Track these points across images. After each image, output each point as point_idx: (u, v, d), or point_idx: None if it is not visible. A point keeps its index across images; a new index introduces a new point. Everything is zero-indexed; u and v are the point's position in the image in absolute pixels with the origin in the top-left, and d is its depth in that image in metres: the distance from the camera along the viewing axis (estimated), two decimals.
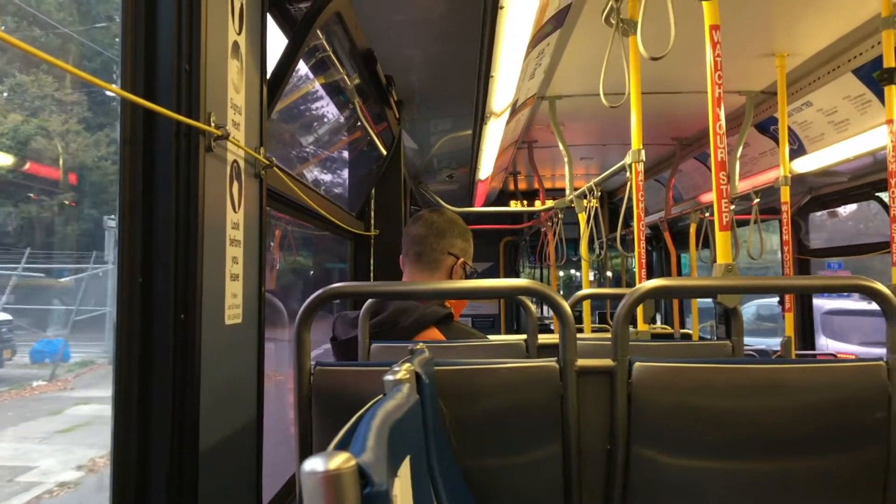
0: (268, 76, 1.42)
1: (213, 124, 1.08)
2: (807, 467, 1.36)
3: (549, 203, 4.94)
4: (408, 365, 1.07)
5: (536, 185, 5.87)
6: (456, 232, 2.35)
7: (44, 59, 0.74)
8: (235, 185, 1.22)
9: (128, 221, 1.02)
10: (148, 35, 1.04)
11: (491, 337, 2.38)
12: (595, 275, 7.13)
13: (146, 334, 1.03)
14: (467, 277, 2.36)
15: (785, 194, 3.33)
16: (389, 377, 0.98)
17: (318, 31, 1.84)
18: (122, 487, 1.02)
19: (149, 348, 1.03)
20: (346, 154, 2.98)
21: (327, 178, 2.90)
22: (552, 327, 6.00)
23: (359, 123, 2.72)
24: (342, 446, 0.64)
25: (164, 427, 1.03)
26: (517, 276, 8.19)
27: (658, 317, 6.87)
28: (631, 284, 6.57)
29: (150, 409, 1.03)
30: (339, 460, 0.54)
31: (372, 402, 0.84)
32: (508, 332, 7.11)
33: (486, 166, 4.12)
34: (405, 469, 0.76)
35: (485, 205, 6.28)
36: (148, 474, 1.03)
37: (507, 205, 6.74)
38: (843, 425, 1.35)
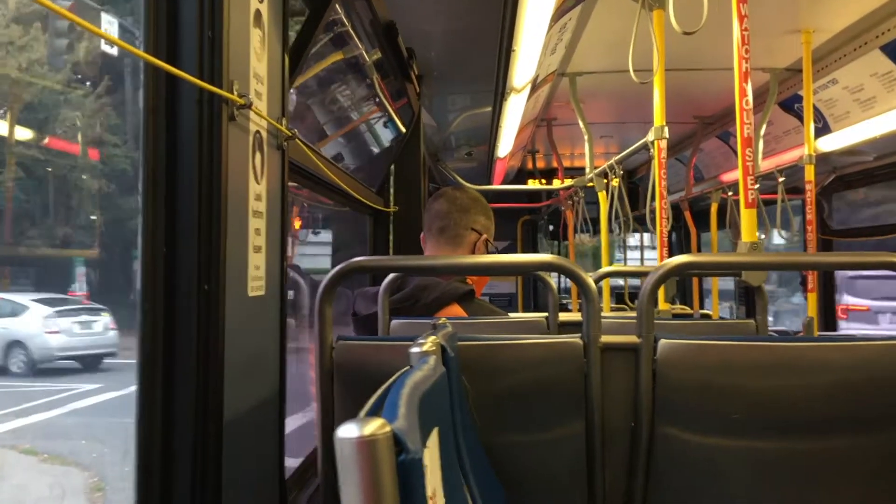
0: (289, 47, 1.40)
1: (235, 93, 1.07)
2: (833, 447, 1.34)
3: (569, 182, 4.91)
4: (433, 337, 1.06)
5: (555, 164, 5.83)
6: (479, 209, 2.35)
7: (69, 17, 0.73)
8: (258, 155, 1.20)
9: (151, 190, 1.01)
10: (170, 1, 1.03)
11: (510, 315, 2.38)
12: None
13: (170, 305, 1.03)
14: (488, 253, 2.36)
15: (809, 173, 3.29)
16: (416, 349, 0.97)
17: (338, 4, 1.82)
18: (147, 457, 1.02)
19: (172, 319, 1.03)
20: (365, 129, 2.96)
21: (347, 153, 2.88)
22: (569, 306, 5.97)
23: (378, 99, 2.70)
24: (372, 415, 0.63)
25: (188, 397, 1.03)
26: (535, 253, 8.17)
27: (676, 298, 6.84)
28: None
29: (174, 379, 1.03)
30: (375, 426, 0.53)
31: (398, 373, 0.83)
32: (526, 310, 7.10)
33: (506, 144, 4.09)
34: (433, 440, 0.75)
35: (503, 183, 6.25)
36: (172, 444, 1.03)
37: (526, 183, 6.70)
38: (871, 405, 1.33)
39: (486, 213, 2.38)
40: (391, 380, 0.78)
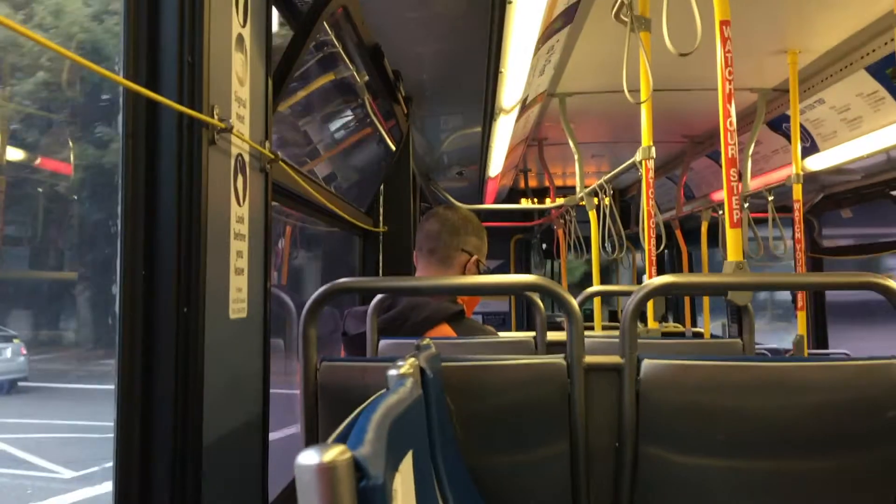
0: (273, 70, 1.41)
1: (216, 117, 1.08)
2: (818, 467, 1.34)
3: (560, 201, 4.93)
4: (412, 360, 1.06)
5: (547, 183, 5.85)
6: (470, 229, 2.36)
7: (45, 45, 0.74)
8: (240, 178, 1.21)
9: (130, 214, 1.01)
10: (151, 27, 1.04)
11: (501, 334, 2.38)
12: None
13: (149, 328, 1.03)
14: (479, 274, 2.36)
15: (797, 192, 3.31)
16: (393, 371, 0.97)
17: (326, 26, 1.84)
18: (125, 482, 1.01)
19: (152, 341, 1.03)
20: (355, 149, 2.97)
21: (336, 173, 2.90)
22: (563, 325, 5.98)
23: (368, 119, 2.72)
24: (341, 440, 0.63)
25: (167, 421, 1.03)
26: (528, 273, 8.18)
27: (670, 315, 6.84)
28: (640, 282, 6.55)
29: (152, 402, 1.03)
30: (334, 452, 0.53)
31: (374, 396, 0.84)
32: (519, 329, 7.10)
33: (496, 164, 4.10)
34: (407, 464, 0.75)
35: (495, 202, 6.27)
36: (151, 469, 1.03)
37: (518, 202, 6.72)
38: (855, 424, 1.34)
39: (477, 233, 2.38)
40: (365, 403, 0.78)
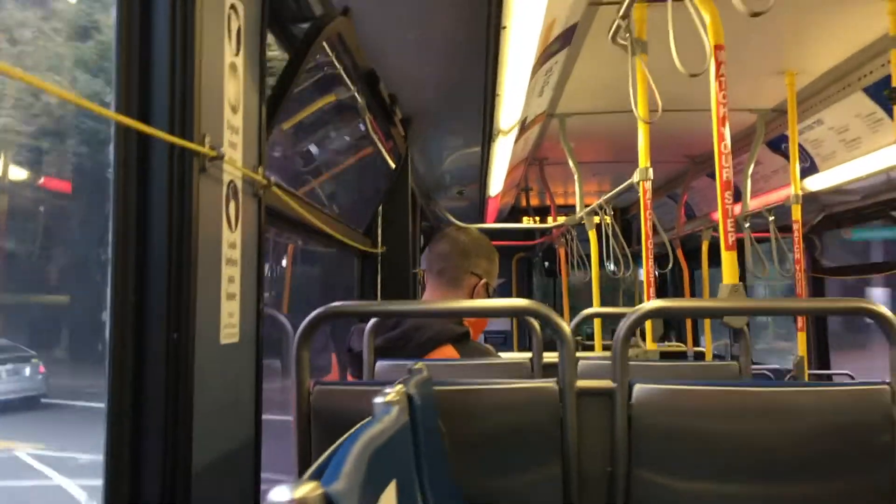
0: (268, 96, 1.43)
1: (207, 145, 1.09)
2: (810, 492, 1.34)
3: (561, 220, 4.94)
4: (399, 386, 1.07)
5: (548, 202, 5.86)
6: (481, 252, 2.37)
7: (34, 83, 0.75)
8: (232, 204, 1.22)
9: (121, 241, 1.02)
10: (142, 57, 1.05)
11: (503, 355, 2.38)
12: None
13: (139, 354, 1.04)
14: (489, 297, 2.37)
15: (796, 212, 3.31)
16: (379, 399, 0.98)
17: (324, 48, 1.85)
18: None
19: (142, 367, 1.04)
20: (351, 171, 2.99)
21: (334, 194, 2.91)
22: None
23: (365, 141, 2.73)
24: (318, 474, 0.64)
25: (157, 447, 1.03)
26: (531, 292, 8.17)
27: (672, 334, 6.82)
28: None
29: (142, 428, 1.03)
30: (306, 489, 0.54)
31: (358, 425, 0.84)
32: (521, 348, 7.09)
33: (496, 183, 4.12)
34: (390, 494, 0.76)
35: (497, 221, 6.28)
36: (140, 495, 1.03)
37: (520, 221, 6.73)
38: (847, 449, 1.34)
39: (487, 255, 2.39)
40: (346, 434, 0.78)
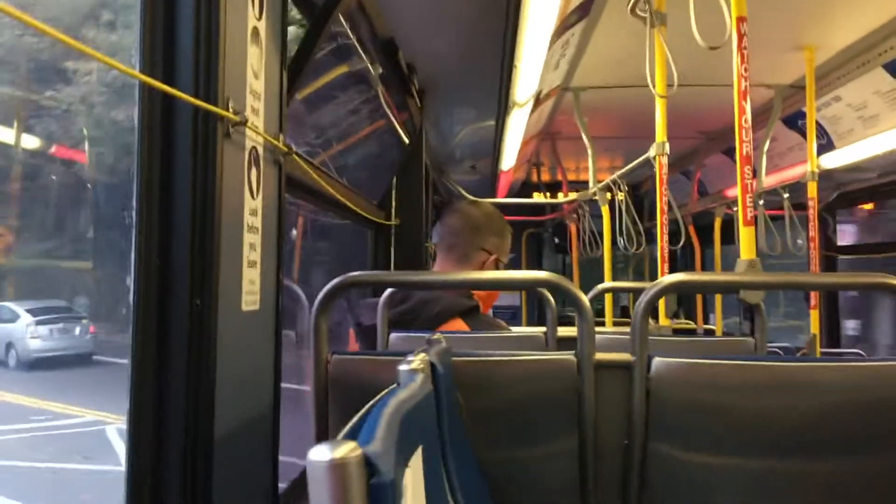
0: (288, 62, 1.42)
1: (231, 110, 1.08)
2: (828, 468, 1.34)
3: (572, 195, 4.91)
4: (423, 355, 1.07)
5: (560, 177, 5.83)
6: (492, 228, 2.34)
7: (58, 38, 0.74)
8: (254, 171, 1.22)
9: (146, 206, 1.02)
10: (167, 19, 1.04)
11: (514, 329, 2.38)
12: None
13: (163, 319, 1.04)
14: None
15: (812, 190, 3.29)
16: (404, 367, 0.97)
17: (340, 18, 1.83)
18: (137, 473, 1.02)
19: (165, 333, 1.04)
20: (368, 142, 2.98)
21: (349, 165, 2.90)
22: (574, 320, 5.96)
23: (381, 112, 2.72)
24: (352, 436, 0.64)
25: (180, 411, 1.04)
26: (540, 268, 8.16)
27: (681, 311, 6.82)
28: (654, 278, 6.51)
29: (165, 393, 1.04)
30: (346, 449, 0.54)
31: (385, 391, 0.84)
32: (530, 324, 7.09)
33: (509, 157, 4.10)
34: (417, 460, 0.76)
35: (507, 196, 6.26)
36: (163, 459, 1.04)
37: (530, 196, 6.70)
38: (867, 426, 1.33)
39: (499, 232, 2.36)
40: (375, 399, 0.78)
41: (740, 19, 2.00)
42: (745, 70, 2.01)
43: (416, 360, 1.00)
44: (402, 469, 0.64)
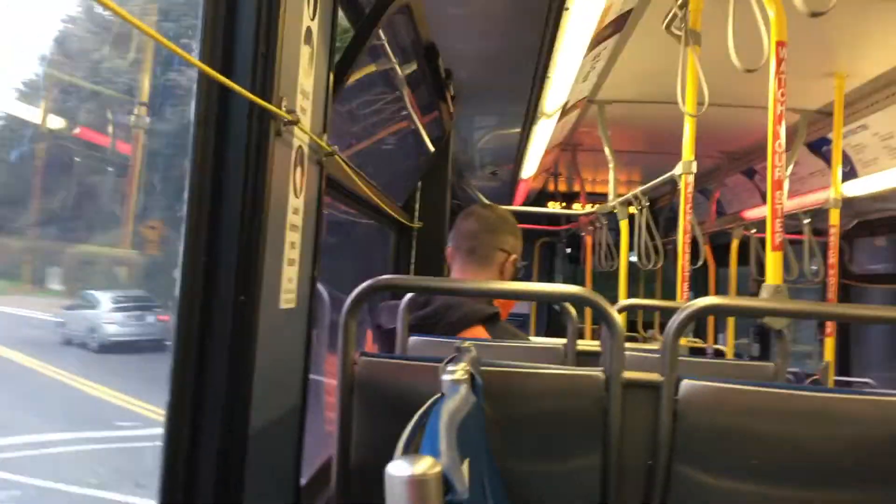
0: (334, 64, 1.42)
1: (284, 108, 1.08)
2: (851, 499, 1.33)
3: (590, 207, 4.91)
4: (464, 364, 1.06)
5: (576, 188, 5.83)
6: (508, 228, 2.36)
7: (126, 18, 0.74)
8: (299, 170, 1.22)
9: (196, 201, 1.02)
10: (228, 15, 1.04)
11: (532, 339, 2.38)
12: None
13: (206, 314, 1.04)
14: (516, 272, 2.36)
15: (835, 216, 3.28)
16: (447, 377, 0.97)
17: (384, 24, 1.84)
18: (173, 459, 1.02)
19: (208, 327, 1.04)
20: (395, 144, 2.98)
21: (378, 166, 2.91)
22: (582, 332, 5.96)
23: (411, 114, 2.72)
24: (407, 446, 0.64)
25: (218, 404, 1.04)
26: (551, 278, 8.15)
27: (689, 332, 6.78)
28: (668, 297, 6.49)
29: (205, 386, 1.04)
30: (425, 465, 0.53)
31: (431, 401, 0.84)
32: (538, 332, 7.08)
33: (531, 166, 4.10)
34: (464, 471, 0.76)
35: (524, 204, 6.26)
36: (198, 449, 1.04)
37: (545, 205, 6.70)
38: (893, 460, 1.32)
39: (514, 232, 2.38)
40: (423, 409, 0.78)
41: (780, 44, 1.99)
42: (783, 95, 2.01)
43: (459, 371, 1.00)
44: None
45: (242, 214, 1.04)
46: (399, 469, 0.53)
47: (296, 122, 1.12)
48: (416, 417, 0.74)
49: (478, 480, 0.91)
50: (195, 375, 1.03)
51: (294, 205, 1.21)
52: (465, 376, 0.99)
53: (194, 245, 1.02)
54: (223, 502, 1.04)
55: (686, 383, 1.38)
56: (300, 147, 1.22)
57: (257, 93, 1.03)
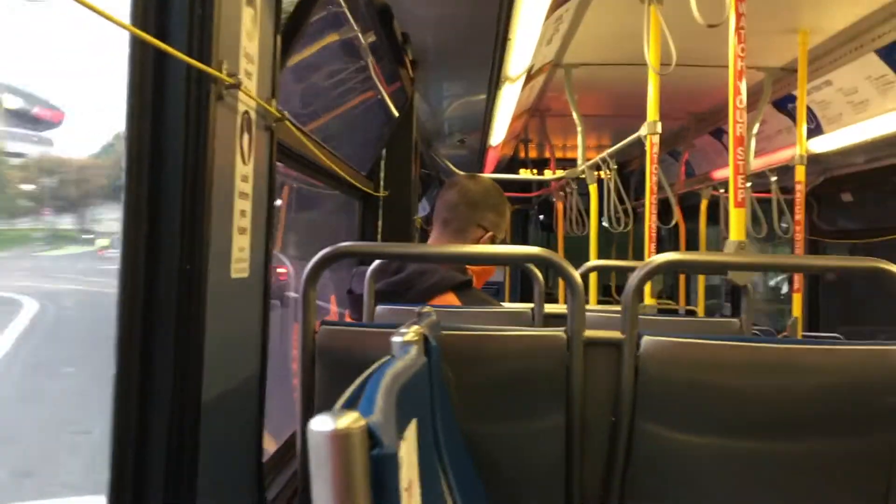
0: (282, 27, 1.38)
1: (224, 72, 1.05)
2: (814, 449, 1.34)
3: (560, 173, 4.90)
4: (416, 327, 1.05)
5: (547, 154, 5.81)
6: (489, 203, 2.31)
7: None
8: (246, 136, 1.19)
9: (135, 167, 0.99)
10: None
11: (504, 304, 2.37)
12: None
13: (151, 283, 1.01)
14: None
15: (800, 174, 3.29)
16: (398, 338, 0.96)
17: None
18: (122, 436, 1.00)
19: (154, 298, 1.02)
20: (356, 112, 2.95)
21: (338, 135, 2.87)
22: (556, 296, 5.99)
23: (372, 81, 2.68)
24: (348, 406, 0.62)
25: (166, 378, 1.02)
26: (526, 244, 8.15)
27: (662, 293, 6.85)
28: (637, 257, 6.52)
29: (152, 359, 1.02)
30: (349, 420, 0.52)
31: (379, 362, 0.83)
32: (513, 300, 7.11)
33: (499, 133, 4.08)
34: (411, 432, 0.75)
35: (495, 171, 6.24)
36: (148, 425, 1.02)
37: (517, 172, 6.68)
38: (855, 409, 1.33)
39: (496, 208, 2.33)
40: (371, 369, 0.77)
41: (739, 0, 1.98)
42: (742, 51, 2.00)
43: (411, 332, 0.99)
44: (398, 441, 0.62)
45: (184, 181, 1.01)
46: (322, 424, 0.52)
47: (238, 86, 1.09)
48: (359, 379, 0.73)
49: (429, 440, 0.90)
50: (141, 350, 1.01)
51: (242, 172, 1.19)
52: (416, 338, 0.98)
53: (135, 213, 1.00)
54: (176, 481, 1.03)
55: (647, 339, 1.38)
56: (246, 112, 1.19)
57: (195, 56, 1.00)
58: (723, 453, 1.36)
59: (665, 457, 1.38)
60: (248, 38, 1.18)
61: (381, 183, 3.19)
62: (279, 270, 3.89)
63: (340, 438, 0.52)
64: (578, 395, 1.39)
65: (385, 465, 0.54)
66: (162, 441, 1.02)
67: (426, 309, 1.34)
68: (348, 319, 2.20)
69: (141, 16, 0.98)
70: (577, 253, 4.62)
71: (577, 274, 1.41)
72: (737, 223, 1.98)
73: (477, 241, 2.29)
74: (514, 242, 7.51)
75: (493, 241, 2.31)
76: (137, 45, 0.99)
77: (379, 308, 2.02)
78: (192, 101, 1.01)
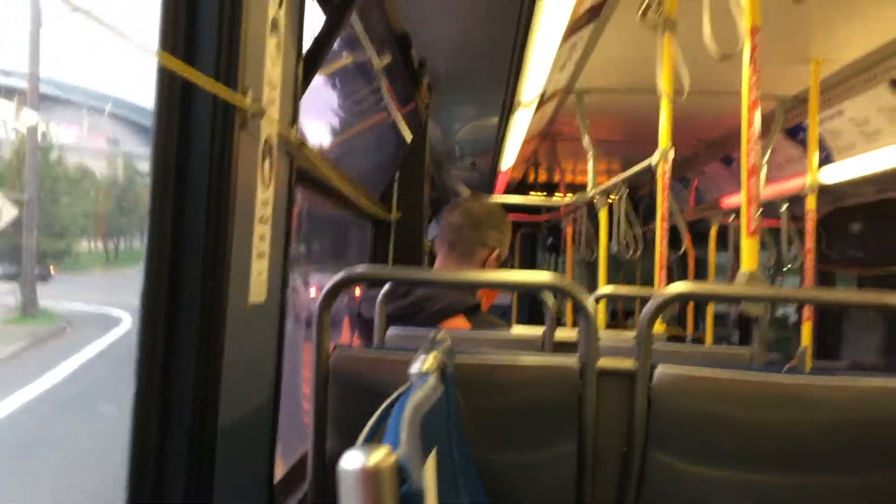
0: (304, 54, 1.40)
1: (249, 99, 1.07)
2: (828, 485, 1.33)
3: (570, 197, 4.91)
4: (434, 355, 1.06)
5: (556, 178, 5.82)
6: (492, 223, 2.34)
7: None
8: (267, 162, 1.20)
9: (160, 193, 1.01)
10: (189, 5, 1.03)
11: (513, 329, 2.37)
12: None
13: (172, 307, 1.02)
14: (500, 268, 2.35)
15: (811, 203, 3.29)
16: (416, 368, 0.96)
17: (355, 13, 1.82)
18: (140, 457, 1.01)
19: (174, 321, 1.03)
20: (373, 135, 2.96)
21: (353, 158, 2.89)
22: (563, 321, 5.97)
23: (388, 105, 2.70)
24: (370, 437, 0.63)
25: (185, 400, 1.03)
26: (533, 268, 8.15)
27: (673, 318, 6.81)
28: (645, 283, 6.51)
29: (171, 382, 1.03)
30: (380, 456, 0.53)
31: (398, 391, 0.83)
32: (519, 322, 7.08)
33: (510, 156, 4.09)
34: (431, 462, 0.75)
35: (503, 194, 6.25)
36: (166, 446, 1.03)
37: (526, 195, 6.69)
38: (870, 445, 1.33)
39: (499, 226, 2.36)
40: (389, 399, 0.77)
41: (754, 30, 1.99)
42: (757, 81, 2.01)
43: (429, 361, 0.99)
44: (423, 476, 0.63)
45: (208, 206, 1.02)
46: (353, 460, 0.52)
47: (262, 114, 1.10)
48: (380, 409, 0.74)
49: (448, 471, 0.90)
50: (162, 372, 1.02)
51: (263, 197, 1.20)
52: (434, 366, 0.98)
53: (159, 237, 1.01)
54: (193, 502, 1.03)
55: (660, 370, 1.38)
56: (268, 138, 1.20)
57: (221, 82, 1.02)
58: (735, 486, 1.35)
59: (677, 488, 1.38)
60: (271, 65, 1.19)
61: (394, 206, 3.20)
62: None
63: (372, 476, 0.52)
64: (591, 424, 1.39)
65: (414, 501, 0.54)
66: (181, 461, 1.03)
67: (441, 334, 1.34)
68: (357, 343, 2.21)
69: (170, 44, 1.00)
70: (585, 278, 4.61)
71: (591, 302, 1.41)
72: (749, 253, 1.97)
73: (483, 261, 2.30)
74: (521, 266, 7.52)
75: (498, 257, 2.32)
76: (165, 73, 1.01)
77: (390, 331, 2.02)
78: (217, 127, 1.03)
